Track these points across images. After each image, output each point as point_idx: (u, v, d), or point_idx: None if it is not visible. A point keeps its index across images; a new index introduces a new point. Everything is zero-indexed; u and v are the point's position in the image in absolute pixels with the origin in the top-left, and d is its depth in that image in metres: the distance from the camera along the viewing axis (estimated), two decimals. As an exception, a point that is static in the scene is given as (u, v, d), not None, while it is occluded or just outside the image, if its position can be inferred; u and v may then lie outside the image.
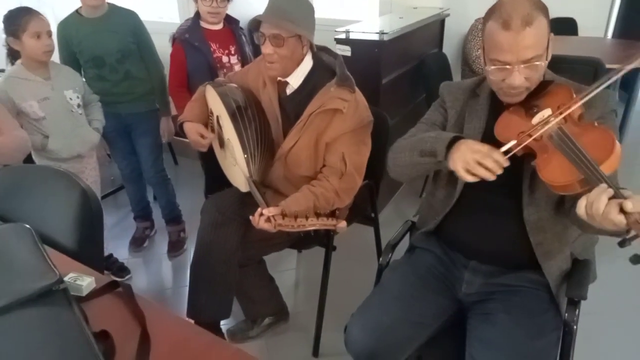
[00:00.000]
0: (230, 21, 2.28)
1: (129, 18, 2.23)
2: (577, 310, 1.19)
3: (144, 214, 2.63)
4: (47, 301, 0.82)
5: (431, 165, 1.22)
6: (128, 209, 2.68)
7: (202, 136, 1.73)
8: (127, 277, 2.33)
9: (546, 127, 1.07)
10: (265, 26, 1.52)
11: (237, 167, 1.65)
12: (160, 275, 2.45)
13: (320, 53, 1.67)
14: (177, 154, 3.58)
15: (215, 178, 2.41)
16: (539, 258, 1.21)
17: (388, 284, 1.35)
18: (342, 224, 1.45)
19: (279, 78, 1.64)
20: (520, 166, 1.18)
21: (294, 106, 1.64)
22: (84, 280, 1.02)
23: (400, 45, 2.64)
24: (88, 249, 1.29)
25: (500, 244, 1.26)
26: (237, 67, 2.24)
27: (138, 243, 2.59)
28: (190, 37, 2.17)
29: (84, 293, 1.01)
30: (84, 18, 2.14)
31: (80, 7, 2.15)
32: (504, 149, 1.08)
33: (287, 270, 2.37)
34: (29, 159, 2.10)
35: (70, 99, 2.01)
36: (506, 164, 1.06)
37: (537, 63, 1.10)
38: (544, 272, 1.22)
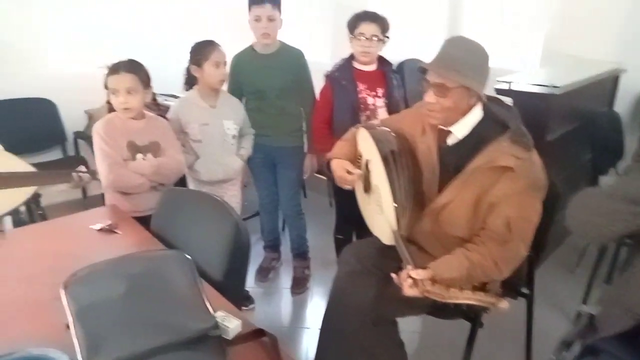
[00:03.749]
0: (383, 63, 2.25)
1: (296, 57, 2.33)
2: None
3: (274, 245, 2.66)
4: (200, 347, 0.78)
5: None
6: (256, 237, 2.72)
7: (349, 172, 1.65)
8: (250, 306, 2.33)
9: None
10: (431, 74, 1.42)
11: (382, 217, 1.53)
12: (280, 311, 2.41)
13: (490, 104, 1.52)
14: (308, 187, 3.61)
15: (346, 219, 2.35)
16: None
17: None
18: (504, 304, 1.24)
19: (440, 126, 1.51)
20: None
21: (455, 158, 1.49)
22: (231, 322, 0.97)
23: (569, 101, 2.36)
24: (232, 281, 1.27)
25: None
26: (382, 110, 2.19)
27: (264, 273, 2.61)
28: (339, 75, 2.18)
29: (230, 336, 0.95)
30: (257, 53, 2.28)
31: (255, 43, 2.29)
32: None
33: (410, 333, 2.16)
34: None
35: (228, 129, 2.14)
36: None
37: None
38: None
